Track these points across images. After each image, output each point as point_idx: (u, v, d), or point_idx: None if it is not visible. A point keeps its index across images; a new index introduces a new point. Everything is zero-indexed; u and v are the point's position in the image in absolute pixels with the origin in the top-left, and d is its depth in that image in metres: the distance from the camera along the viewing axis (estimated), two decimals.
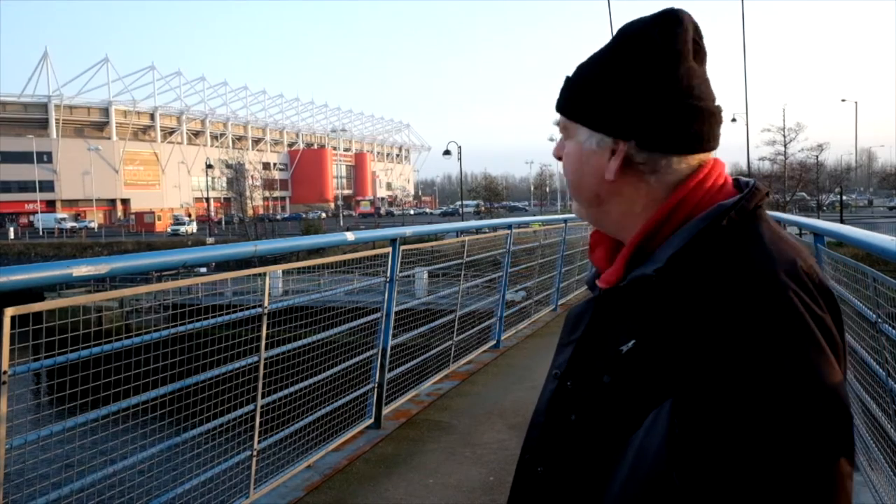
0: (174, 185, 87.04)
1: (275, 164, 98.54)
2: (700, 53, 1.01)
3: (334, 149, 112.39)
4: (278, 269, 4.49)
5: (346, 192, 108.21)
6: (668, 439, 0.85)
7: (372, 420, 5.02)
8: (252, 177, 59.19)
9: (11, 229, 60.85)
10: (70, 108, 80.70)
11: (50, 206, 75.41)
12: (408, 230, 5.60)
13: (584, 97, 1.03)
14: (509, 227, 7.95)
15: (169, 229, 61.85)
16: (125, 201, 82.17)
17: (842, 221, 31.78)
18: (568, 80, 1.07)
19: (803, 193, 50.09)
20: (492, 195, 62.75)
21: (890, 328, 2.86)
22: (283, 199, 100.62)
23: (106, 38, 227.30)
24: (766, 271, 0.88)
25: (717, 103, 1.01)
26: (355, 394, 4.89)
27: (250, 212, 56.88)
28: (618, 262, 1.02)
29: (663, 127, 0.97)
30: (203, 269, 21.76)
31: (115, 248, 47.06)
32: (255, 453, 3.79)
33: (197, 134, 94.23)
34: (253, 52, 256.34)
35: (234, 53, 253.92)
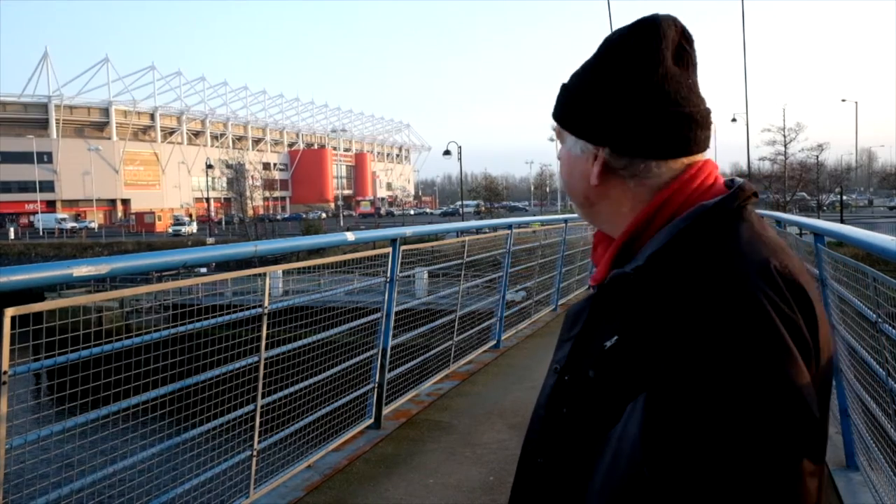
0: (174, 186, 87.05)
1: (275, 165, 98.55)
2: (685, 58, 1.03)
3: (334, 149, 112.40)
4: (278, 269, 4.49)
5: (347, 192, 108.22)
6: (642, 433, 0.87)
7: (372, 420, 5.02)
8: (252, 177, 59.24)
9: (11, 229, 60.87)
10: (70, 108, 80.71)
11: (50, 206, 75.42)
12: (408, 230, 5.60)
13: (569, 105, 1.08)
14: (509, 227, 7.95)
15: (171, 230, 61.84)
16: (125, 201, 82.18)
17: (842, 221, 31.79)
18: (560, 87, 1.11)
19: (803, 193, 50.05)
20: (492, 195, 62.78)
21: (890, 328, 2.86)
22: (283, 199, 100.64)
23: (106, 38, 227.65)
24: (736, 271, 0.90)
25: (702, 107, 1.03)
26: (355, 394, 4.89)
27: (250, 212, 56.91)
28: (605, 261, 1.06)
29: (636, 133, 1.00)
30: (203, 270, 21.77)
31: (115, 249, 47.07)
32: (255, 453, 3.79)
33: (197, 134, 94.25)
34: (253, 52, 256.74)
35: (234, 53, 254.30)
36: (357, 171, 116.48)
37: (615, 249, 1.04)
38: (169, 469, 3.65)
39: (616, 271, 1.00)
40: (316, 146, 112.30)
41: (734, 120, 50.86)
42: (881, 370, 3.04)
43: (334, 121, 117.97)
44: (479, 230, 11.95)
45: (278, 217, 77.25)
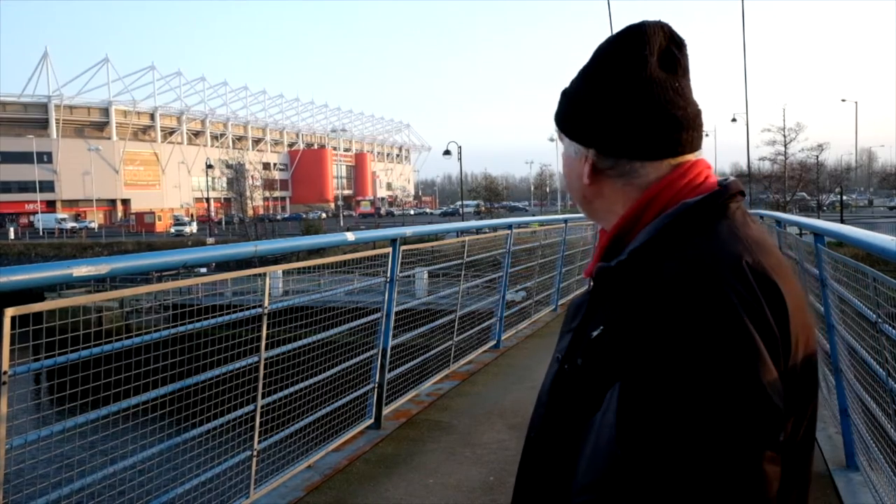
0: (174, 186, 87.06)
1: (275, 165, 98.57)
2: (672, 63, 1.07)
3: (334, 149, 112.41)
4: (278, 269, 4.49)
5: (347, 192, 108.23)
6: (616, 419, 0.93)
7: (372, 420, 5.02)
8: (252, 177, 59.20)
9: (11, 229, 60.86)
10: (70, 108, 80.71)
11: (50, 206, 75.41)
12: (408, 230, 5.60)
13: (563, 109, 1.15)
14: (509, 227, 7.95)
15: (173, 230, 61.87)
16: (125, 201, 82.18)
17: (842, 221, 31.79)
18: (560, 93, 1.18)
19: (803, 193, 50.05)
20: (492, 195, 62.74)
21: (890, 328, 2.86)
22: (283, 199, 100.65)
23: (106, 38, 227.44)
24: (707, 266, 0.94)
25: (689, 110, 1.07)
26: (355, 394, 4.89)
27: (250, 212, 56.88)
28: (596, 255, 1.12)
29: (619, 135, 1.06)
30: (203, 270, 21.77)
31: (115, 249, 47.07)
32: (255, 453, 3.79)
33: (197, 134, 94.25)
34: (253, 52, 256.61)
35: (234, 53, 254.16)
36: (357, 171, 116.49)
37: (604, 244, 1.10)
38: (169, 469, 3.65)
39: (600, 264, 1.06)
40: (316, 146, 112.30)
41: (734, 120, 50.92)
42: (881, 370, 3.04)
43: (334, 121, 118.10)
44: (479, 230, 11.95)
45: (278, 217, 77.23)
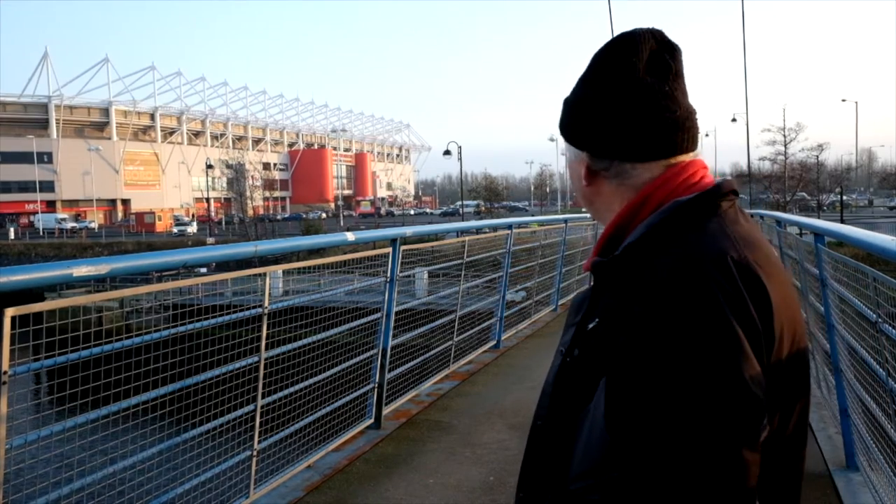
0: (174, 186, 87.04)
1: (275, 165, 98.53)
2: (662, 68, 1.10)
3: (334, 149, 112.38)
4: (278, 269, 4.49)
5: (347, 192, 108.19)
6: (605, 408, 0.98)
7: (372, 420, 5.02)
8: (252, 177, 59.16)
9: (11, 229, 60.84)
10: (70, 108, 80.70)
11: (50, 206, 75.39)
12: (408, 230, 5.60)
13: (562, 115, 1.21)
14: (509, 227, 7.95)
15: (175, 230, 61.87)
16: (125, 201, 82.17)
17: (842, 221, 31.78)
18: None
19: (803, 193, 50.04)
20: (492, 195, 62.74)
21: (890, 328, 2.86)
22: (283, 199, 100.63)
23: (106, 38, 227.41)
24: (693, 260, 0.98)
25: (679, 113, 1.10)
26: (355, 394, 4.89)
27: (250, 212, 56.83)
28: (593, 251, 1.17)
29: (609, 138, 1.11)
30: (203, 270, 21.77)
31: (115, 249, 47.06)
32: (255, 453, 3.79)
33: (197, 134, 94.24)
34: (253, 52, 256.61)
35: (234, 53, 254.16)
36: (357, 171, 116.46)
37: (602, 241, 1.15)
38: (169, 469, 3.65)
39: (596, 259, 1.11)
40: (316, 146, 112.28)
41: (734, 120, 50.98)
42: (881, 370, 3.04)
43: (334, 121, 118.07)
44: (479, 230, 11.95)
45: (278, 217, 77.20)
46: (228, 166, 59.96)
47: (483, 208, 63.58)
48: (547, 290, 9.82)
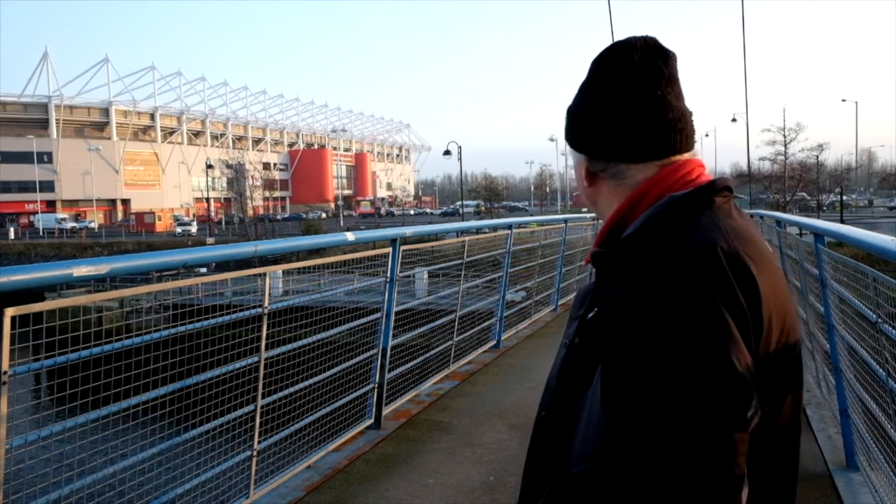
0: (174, 186, 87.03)
1: (275, 164, 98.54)
2: (654, 74, 1.15)
3: (334, 149, 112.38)
4: (278, 269, 4.48)
5: (347, 192, 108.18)
6: (601, 393, 1.02)
7: (372, 420, 5.02)
8: (252, 177, 59.19)
9: (11, 229, 60.85)
10: (70, 108, 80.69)
11: (50, 206, 75.39)
12: (408, 230, 5.60)
13: (565, 122, 1.27)
14: (509, 227, 7.95)
15: (178, 230, 61.87)
16: (125, 201, 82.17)
17: (842, 221, 31.79)
18: None
19: (803, 193, 50.04)
20: (492, 195, 62.74)
21: (890, 328, 2.86)
22: (283, 199, 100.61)
23: (106, 38, 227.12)
24: (683, 250, 1.03)
25: (671, 115, 1.14)
26: (355, 394, 4.89)
27: (250, 212, 56.87)
28: (594, 244, 1.21)
29: (604, 141, 1.17)
30: (203, 270, 21.77)
31: (115, 249, 47.07)
32: (255, 453, 3.79)
33: (197, 134, 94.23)
34: (253, 52, 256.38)
35: (234, 53, 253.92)
36: (357, 171, 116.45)
37: (602, 234, 1.19)
38: (169, 469, 3.65)
39: (594, 250, 1.18)
40: (316, 146, 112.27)
41: (734, 120, 50.92)
42: (881, 370, 3.04)
43: (334, 121, 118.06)
44: (479, 230, 11.95)
45: (278, 217, 77.19)
46: (228, 166, 59.99)
47: (483, 208, 63.59)
48: (547, 290, 9.82)
